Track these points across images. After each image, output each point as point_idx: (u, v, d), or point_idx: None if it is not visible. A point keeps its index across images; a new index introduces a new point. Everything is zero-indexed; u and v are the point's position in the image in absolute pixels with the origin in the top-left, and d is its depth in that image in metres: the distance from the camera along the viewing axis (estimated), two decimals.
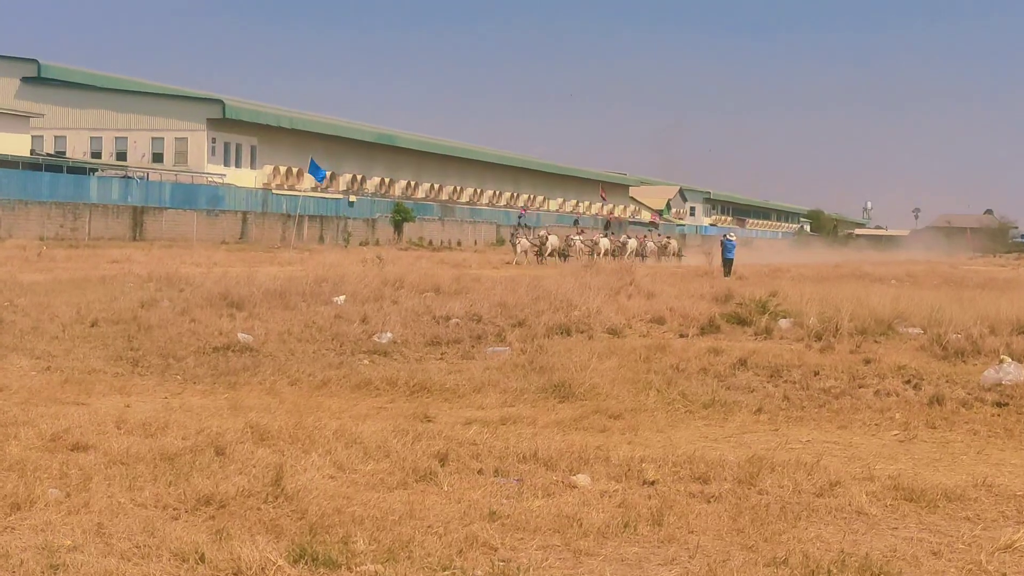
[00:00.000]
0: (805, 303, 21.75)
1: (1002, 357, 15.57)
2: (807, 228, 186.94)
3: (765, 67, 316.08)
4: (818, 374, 15.29)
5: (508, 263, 54.28)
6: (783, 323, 20.35)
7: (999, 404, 13.61)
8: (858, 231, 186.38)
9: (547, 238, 59.18)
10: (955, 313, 19.95)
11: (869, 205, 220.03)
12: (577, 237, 63.33)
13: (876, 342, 18.52)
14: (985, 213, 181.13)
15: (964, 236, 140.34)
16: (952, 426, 12.66)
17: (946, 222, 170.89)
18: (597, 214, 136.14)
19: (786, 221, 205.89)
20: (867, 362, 16.14)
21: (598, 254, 58.37)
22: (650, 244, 70.15)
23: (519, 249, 57.89)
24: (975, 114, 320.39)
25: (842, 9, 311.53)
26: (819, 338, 18.62)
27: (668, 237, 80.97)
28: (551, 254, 58.06)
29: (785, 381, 15.04)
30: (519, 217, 68.56)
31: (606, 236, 66.12)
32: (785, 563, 7.27)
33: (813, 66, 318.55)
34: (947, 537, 8.09)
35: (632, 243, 66.61)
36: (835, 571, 7.11)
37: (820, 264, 57.71)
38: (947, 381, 14.84)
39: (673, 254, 72.37)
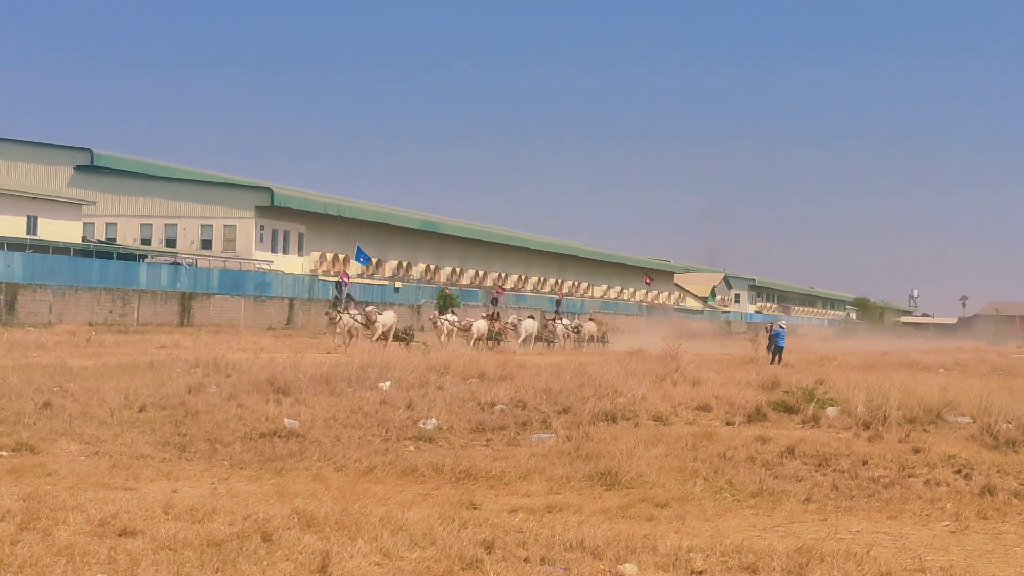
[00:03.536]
0: (852, 391, 21.59)
1: None
2: (853, 315, 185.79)
3: (809, 154, 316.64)
4: (867, 463, 15.14)
5: (541, 353, 51.07)
6: (830, 411, 20.20)
7: None
8: (905, 319, 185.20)
9: (471, 323, 49.20)
10: (1005, 402, 19.77)
11: (916, 293, 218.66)
12: (560, 322, 58.31)
13: (925, 431, 18.34)
14: None
15: (1014, 324, 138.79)
16: (1004, 517, 12.48)
17: (994, 310, 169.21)
18: (642, 301, 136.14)
19: (832, 308, 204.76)
20: (916, 451, 15.98)
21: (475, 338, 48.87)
22: (559, 327, 58.73)
23: (445, 329, 49.15)
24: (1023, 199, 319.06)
25: (884, 96, 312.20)
26: (867, 427, 18.47)
27: (589, 318, 66.81)
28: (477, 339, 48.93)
29: (833, 470, 14.90)
30: (445, 295, 60.04)
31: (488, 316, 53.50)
32: None
33: (858, 154, 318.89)
34: None
35: (528, 324, 54.11)
36: None
37: (867, 352, 57.30)
38: (998, 471, 14.66)
39: (592, 339, 60.15)
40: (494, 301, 59.96)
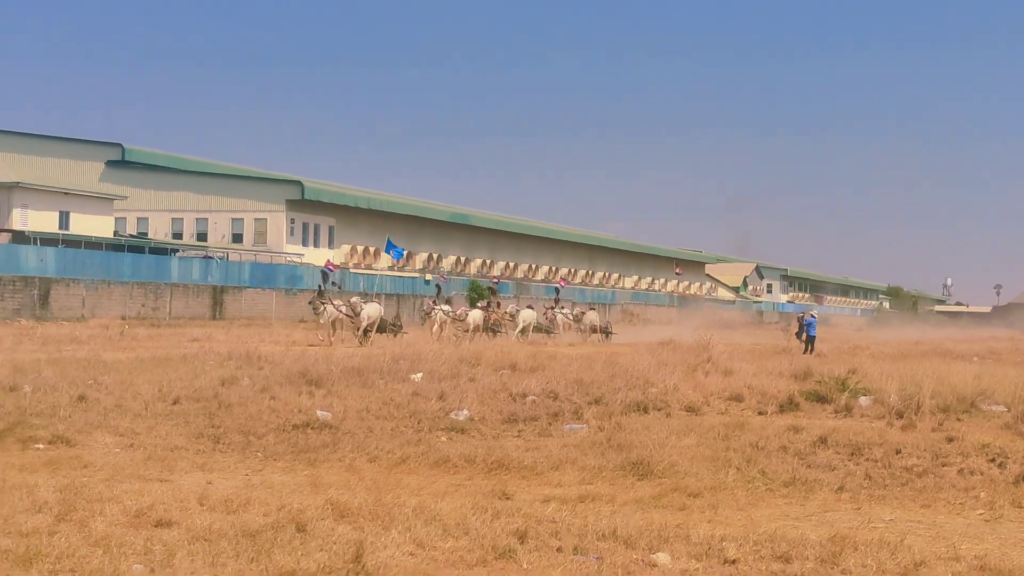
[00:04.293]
0: (885, 380, 21.50)
1: None
2: (886, 305, 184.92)
3: (841, 143, 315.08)
4: (900, 452, 15.10)
5: (572, 344, 49.03)
6: (863, 400, 20.13)
7: None
8: (938, 308, 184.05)
9: (467, 313, 47.78)
10: None
11: (949, 282, 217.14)
12: (561, 311, 55.67)
13: (959, 420, 18.27)
14: None
15: None
16: None
17: None
18: (673, 291, 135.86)
19: (864, 298, 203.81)
20: (950, 440, 15.92)
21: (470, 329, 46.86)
22: (560, 316, 55.79)
23: (437, 322, 46.55)
24: None
25: (918, 84, 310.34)
26: (900, 416, 18.40)
27: (591, 307, 64.76)
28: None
29: (867, 459, 14.86)
30: (437, 288, 53.63)
31: (483, 307, 51.45)
32: None
33: (891, 142, 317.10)
34: None
35: (526, 314, 52.26)
36: None
37: (900, 341, 56.99)
38: None
39: (595, 330, 55.92)
40: (492, 291, 58.00)
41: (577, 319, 56.12)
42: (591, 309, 60.28)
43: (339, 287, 50.14)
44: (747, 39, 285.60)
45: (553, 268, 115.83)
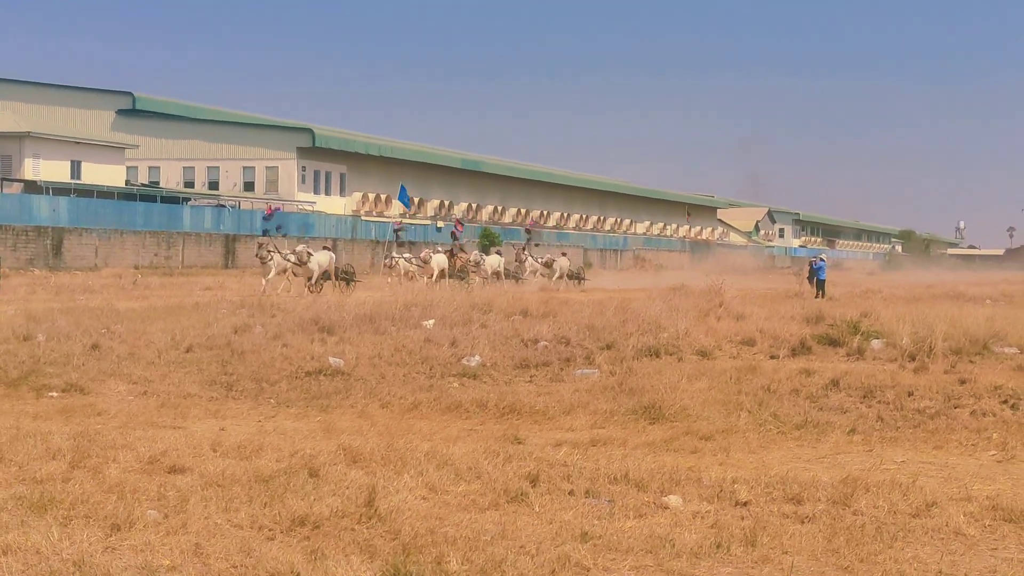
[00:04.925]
0: (898, 323, 21.44)
1: None
2: (898, 248, 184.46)
3: (852, 84, 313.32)
4: (912, 394, 15.07)
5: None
6: (875, 344, 20.09)
7: None
8: (951, 251, 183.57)
9: (430, 257, 45.18)
10: None
11: (962, 224, 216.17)
12: (530, 257, 53.99)
13: (971, 362, 18.22)
14: None
15: None
16: None
17: None
18: (685, 236, 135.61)
19: (877, 241, 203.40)
20: (962, 382, 15.87)
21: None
22: (529, 261, 53.76)
23: (401, 270, 45.14)
24: None
25: (927, 24, 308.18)
26: (912, 358, 18.36)
27: (562, 252, 60.92)
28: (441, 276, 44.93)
29: (879, 402, 14.84)
30: (395, 234, 51.36)
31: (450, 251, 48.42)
32: None
33: (902, 83, 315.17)
34: None
35: (492, 260, 49.86)
36: None
37: (912, 284, 56.86)
38: None
39: (563, 276, 53.82)
40: (453, 237, 54.17)
41: (548, 264, 53.93)
42: (562, 255, 57.93)
43: (284, 233, 46.13)
44: None
45: (564, 214, 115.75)
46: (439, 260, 45.24)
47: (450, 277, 45.08)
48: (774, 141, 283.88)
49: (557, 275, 52.99)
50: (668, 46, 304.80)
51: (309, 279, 39.76)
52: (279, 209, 49.28)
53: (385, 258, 46.78)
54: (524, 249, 55.31)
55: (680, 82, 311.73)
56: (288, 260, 40.14)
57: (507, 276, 50.44)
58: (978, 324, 21.03)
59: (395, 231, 52.27)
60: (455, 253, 47.85)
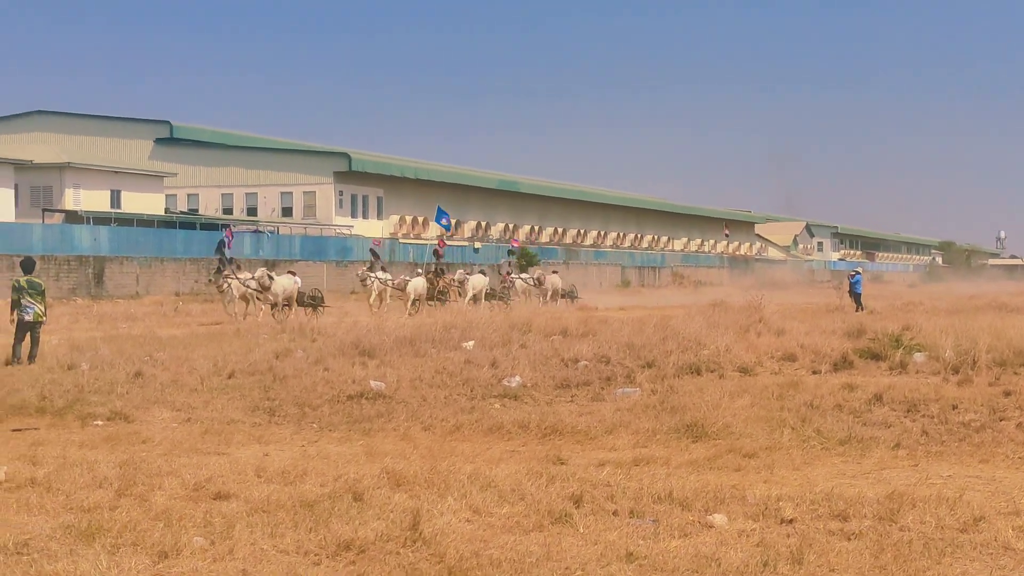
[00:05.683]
0: (940, 336, 21.28)
1: None
2: (939, 260, 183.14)
3: (889, 96, 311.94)
4: (957, 408, 14.95)
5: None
6: (918, 357, 19.94)
7: None
8: (992, 261, 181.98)
9: (407, 282, 42.80)
10: None
11: (1002, 234, 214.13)
12: (520, 276, 51.85)
13: (1016, 374, 18.05)
14: None
15: None
16: None
17: None
18: (723, 252, 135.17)
19: (917, 253, 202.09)
20: (1007, 394, 15.74)
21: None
22: (518, 282, 51.33)
23: (374, 291, 43.06)
24: None
25: (967, 36, 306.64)
26: (956, 371, 18.22)
27: (553, 270, 59.41)
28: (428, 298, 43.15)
29: (923, 416, 14.73)
30: (373, 254, 48.51)
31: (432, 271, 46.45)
32: None
33: (940, 93, 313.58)
34: None
35: (476, 280, 47.33)
36: None
37: (954, 296, 56.45)
38: None
39: (556, 295, 52.37)
40: (435, 255, 52.68)
41: (539, 282, 51.99)
42: (553, 272, 56.13)
43: (234, 262, 41.42)
44: None
45: (601, 232, 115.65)
46: (416, 284, 43.03)
47: (431, 299, 43.49)
48: (811, 155, 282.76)
49: (549, 294, 51.55)
50: (702, 63, 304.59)
51: (273, 305, 37.79)
52: (230, 240, 44.75)
53: (361, 276, 44.39)
54: (508, 270, 53.47)
55: (715, 98, 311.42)
56: (248, 286, 38.11)
57: (494, 297, 48.01)
58: (1022, 336, 20.83)
59: (371, 250, 49.93)
60: (438, 273, 46.24)
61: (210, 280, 40.42)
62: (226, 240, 43.47)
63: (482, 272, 49.92)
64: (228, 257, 40.79)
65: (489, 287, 48.31)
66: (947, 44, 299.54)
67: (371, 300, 42.48)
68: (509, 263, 55.55)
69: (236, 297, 38.19)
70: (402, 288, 42.42)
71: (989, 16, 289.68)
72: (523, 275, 52.54)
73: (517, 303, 46.18)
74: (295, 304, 38.90)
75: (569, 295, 53.32)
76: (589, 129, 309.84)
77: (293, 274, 41.49)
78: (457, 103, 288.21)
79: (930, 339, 21.23)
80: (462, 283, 46.48)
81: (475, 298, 45.69)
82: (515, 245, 63.02)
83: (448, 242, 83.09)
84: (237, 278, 38.12)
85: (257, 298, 38.28)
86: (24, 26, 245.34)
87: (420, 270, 46.73)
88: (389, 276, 44.17)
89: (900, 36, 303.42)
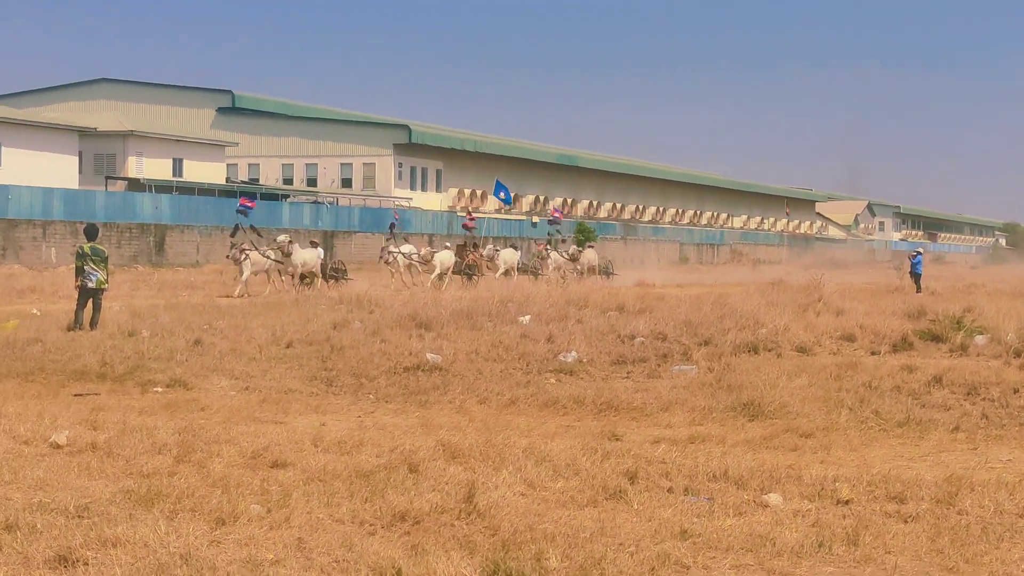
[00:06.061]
0: (1002, 319, 21.06)
1: None
2: (1002, 241, 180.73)
3: (954, 75, 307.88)
4: (1018, 392, 14.78)
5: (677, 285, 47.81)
6: (979, 339, 19.73)
7: None
8: None
9: (432, 255, 42.19)
10: None
11: None
12: (553, 251, 49.55)
13: None
14: None
15: None
16: None
17: None
18: (783, 230, 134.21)
19: (980, 235, 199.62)
20: None
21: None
22: (554, 256, 49.52)
23: (400, 265, 41.88)
24: None
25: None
26: (1018, 355, 18.01)
27: (590, 245, 57.88)
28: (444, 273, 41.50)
29: (983, 399, 14.58)
30: (391, 226, 46.54)
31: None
32: None
33: (1004, 72, 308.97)
34: None
35: (507, 255, 46.35)
36: None
37: (1017, 279, 55.61)
38: None
39: (593, 271, 50.31)
40: (465, 228, 51.38)
41: (574, 258, 50.30)
42: (590, 247, 54.38)
43: (256, 231, 38.67)
44: None
45: (660, 209, 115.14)
46: (443, 257, 42.08)
47: (458, 273, 42.45)
48: (874, 133, 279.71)
49: (585, 269, 49.78)
50: (765, 41, 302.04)
51: (292, 276, 36.31)
52: (250, 209, 40.74)
53: (382, 253, 43.08)
54: (548, 243, 51.81)
55: (778, 75, 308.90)
56: (268, 257, 36.15)
57: (525, 271, 47.15)
58: None
59: (390, 226, 48.43)
60: (468, 248, 45.21)
61: (228, 255, 37.53)
62: (245, 208, 40.26)
63: (513, 247, 48.94)
64: (248, 225, 38.49)
65: (521, 262, 47.44)
66: (1012, 26, 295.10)
67: (394, 275, 41.30)
68: (549, 238, 53.42)
69: (260, 271, 36.15)
70: (428, 260, 41.54)
71: None
72: (559, 249, 50.94)
73: (548, 278, 44.51)
74: (319, 277, 37.46)
75: (605, 271, 51.44)
76: (650, 105, 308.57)
77: (315, 245, 40.14)
78: (518, 76, 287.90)
79: (992, 322, 21.02)
80: (492, 258, 45.41)
81: (507, 272, 44.58)
82: (556, 215, 60.28)
83: (505, 216, 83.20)
84: (257, 249, 36.13)
85: (277, 269, 36.62)
86: None
87: (448, 244, 46.09)
88: (413, 248, 43.23)
89: (965, 19, 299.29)
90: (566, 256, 50.21)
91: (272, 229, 62.11)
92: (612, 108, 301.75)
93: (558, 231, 56.25)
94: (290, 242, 36.04)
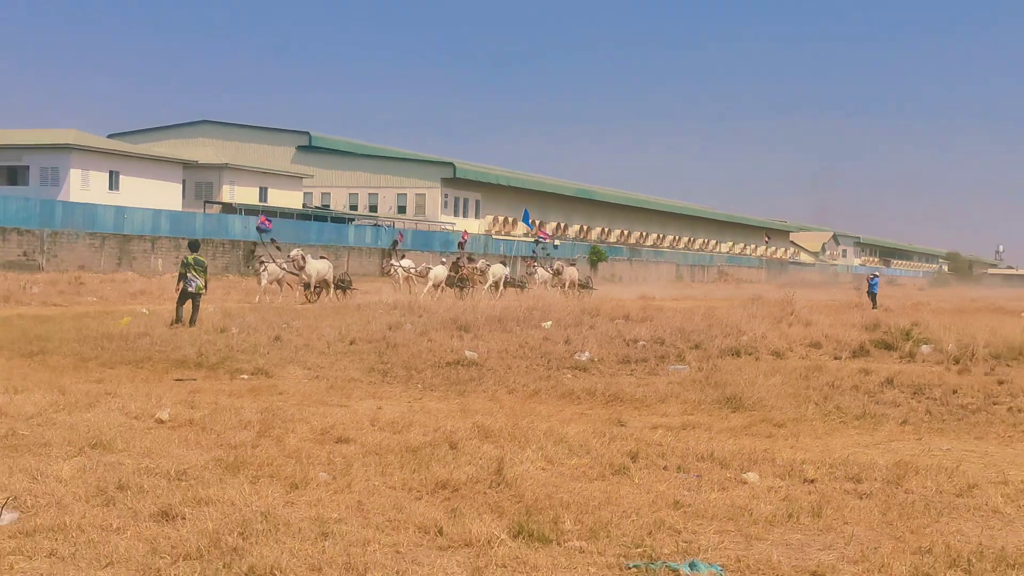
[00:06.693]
0: (944, 332, 20.92)
1: None
2: (945, 268, 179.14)
3: (909, 123, 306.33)
4: (956, 392, 14.69)
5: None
6: (925, 348, 19.61)
7: None
8: (991, 271, 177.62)
9: (428, 269, 39.89)
10: None
11: (1001, 248, 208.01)
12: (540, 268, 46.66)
13: (1008, 366, 17.68)
14: None
15: None
16: None
17: None
18: (762, 255, 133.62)
19: (926, 262, 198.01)
20: (1000, 383, 15.43)
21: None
22: (539, 271, 46.36)
23: (400, 279, 40.26)
24: None
25: (979, 73, 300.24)
26: (957, 362, 17.90)
27: (571, 262, 54.43)
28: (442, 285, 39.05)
29: (927, 398, 14.49)
30: (394, 243, 44.91)
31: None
32: (929, 552, 7.01)
33: (952, 121, 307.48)
34: None
35: (496, 269, 42.83)
36: (974, 561, 6.81)
37: (957, 299, 55.26)
38: None
39: (573, 285, 46.86)
40: (459, 246, 48.05)
41: (558, 273, 47.15)
42: (571, 264, 51.25)
43: (276, 245, 36.98)
44: (822, 32, 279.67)
45: (660, 235, 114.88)
46: (437, 271, 39.42)
47: (452, 286, 39.59)
48: (840, 174, 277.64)
49: (567, 284, 46.60)
50: (752, 97, 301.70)
51: (306, 286, 34.61)
52: (269, 228, 39.36)
53: (384, 267, 41.27)
54: (534, 260, 48.93)
55: (761, 126, 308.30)
56: (283, 268, 34.51)
57: (513, 284, 44.06)
58: (1015, 334, 20.41)
59: (393, 243, 46.22)
60: (462, 263, 42.35)
61: (254, 269, 35.71)
62: (264, 227, 38.86)
63: (502, 263, 45.98)
64: (269, 240, 37.20)
65: (509, 276, 44.45)
66: (958, 84, 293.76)
67: (394, 287, 39.52)
68: (534, 255, 50.67)
69: (275, 280, 34.40)
70: (424, 275, 39.65)
71: (989, 59, 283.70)
72: (544, 266, 47.84)
73: (535, 291, 41.53)
74: (331, 286, 35.80)
75: (584, 286, 48.68)
76: (654, 148, 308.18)
77: (326, 259, 38.01)
78: (544, 124, 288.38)
79: (935, 334, 20.88)
80: (483, 272, 42.63)
81: (495, 285, 41.64)
82: (543, 237, 56.58)
83: (533, 238, 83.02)
84: (274, 261, 34.49)
85: (295, 274, 34.72)
86: (194, 45, 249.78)
87: (443, 259, 43.89)
88: (412, 263, 41.75)
89: (923, 77, 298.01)
90: (550, 271, 47.36)
91: (339, 247, 62.44)
92: (622, 151, 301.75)
93: (543, 249, 53.53)
94: (303, 256, 34.58)
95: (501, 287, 41.84)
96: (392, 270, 40.63)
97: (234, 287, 42.86)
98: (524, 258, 58.22)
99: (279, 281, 34.73)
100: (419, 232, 74.12)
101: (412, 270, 40.75)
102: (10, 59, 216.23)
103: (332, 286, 35.86)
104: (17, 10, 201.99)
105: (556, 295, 38.21)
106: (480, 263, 44.34)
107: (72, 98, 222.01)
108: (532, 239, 73.55)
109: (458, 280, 40.16)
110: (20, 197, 50.21)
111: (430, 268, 39.88)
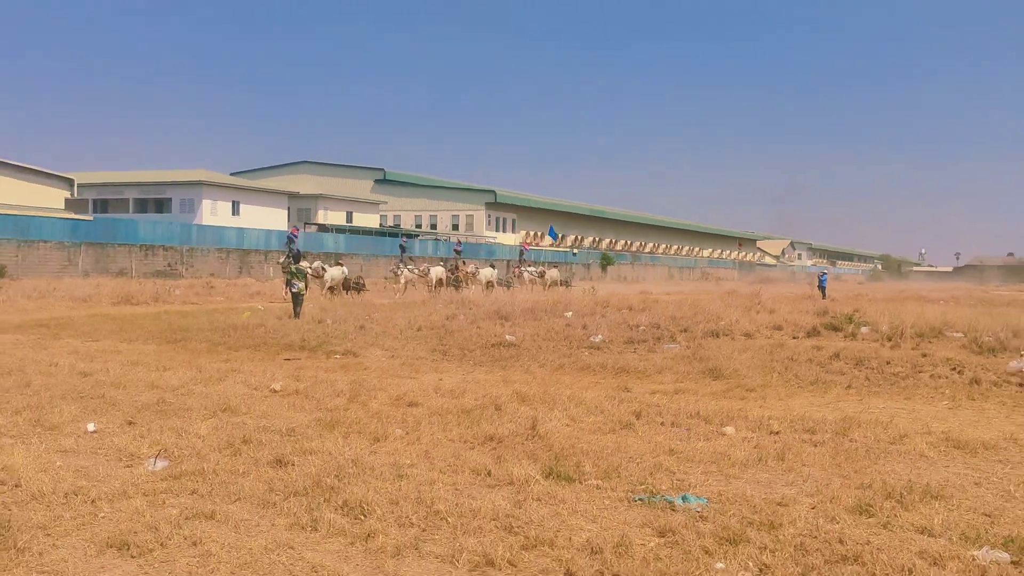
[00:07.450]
0: (879, 316, 20.65)
1: (1022, 352, 14.46)
2: (879, 267, 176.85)
3: (851, 152, 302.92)
4: (889, 363, 14.50)
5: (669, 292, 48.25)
6: (864, 329, 19.37)
7: (1021, 384, 12.66)
8: (916, 269, 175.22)
9: (429, 269, 37.73)
10: (987, 322, 18.65)
11: (924, 251, 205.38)
12: (528, 269, 45.17)
13: (930, 342, 17.43)
14: (1008, 255, 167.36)
15: (993, 272, 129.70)
16: (987, 399, 11.82)
17: (979, 261, 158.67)
18: (735, 259, 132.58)
19: (864, 262, 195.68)
20: (924, 355, 15.22)
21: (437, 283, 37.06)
22: (526, 273, 44.80)
23: (402, 280, 38.06)
24: (1002, 174, 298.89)
25: (908, 110, 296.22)
26: (890, 339, 17.66)
27: (553, 266, 52.70)
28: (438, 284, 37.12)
29: (866, 367, 14.31)
30: (401, 249, 42.70)
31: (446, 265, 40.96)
32: (870, 487, 6.96)
33: (886, 147, 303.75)
34: (985, 473, 7.58)
35: (486, 272, 39.80)
36: (905, 493, 6.76)
37: (889, 291, 54.56)
38: (982, 368, 13.85)
39: (555, 284, 44.94)
40: (456, 252, 45.81)
41: (542, 275, 45.38)
42: (553, 267, 49.50)
43: (302, 254, 35.42)
44: (777, 76, 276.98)
45: (656, 244, 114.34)
46: (436, 272, 37.58)
47: (449, 285, 37.44)
48: (797, 190, 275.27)
49: (549, 283, 44.48)
50: (726, 127, 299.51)
51: (321, 287, 32.86)
52: (296, 237, 38.00)
53: (395, 270, 39.33)
54: (520, 265, 47.25)
55: (732, 153, 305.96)
56: (414, 272, 34.32)
57: (500, 284, 40.88)
58: (935, 317, 20.12)
59: (401, 247, 43.92)
60: (457, 266, 40.65)
61: (285, 275, 35.07)
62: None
63: (491, 266, 43.45)
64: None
65: (498, 277, 41.71)
66: (894, 118, 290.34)
67: (400, 284, 37.79)
68: (520, 261, 48.71)
69: (406, 281, 33.35)
70: (425, 274, 37.66)
71: (925, 95, 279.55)
72: (529, 268, 45.76)
73: (521, 290, 37.77)
74: (346, 288, 33.74)
75: (565, 283, 46.35)
76: (652, 173, 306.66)
77: (341, 265, 36.12)
78: (564, 159, 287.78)
79: (872, 318, 20.62)
80: (474, 274, 40.25)
81: (488, 284, 38.67)
82: (526, 248, 54.09)
83: (556, 248, 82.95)
84: (408, 269, 33.86)
85: (317, 278, 33.06)
86: (296, 99, 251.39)
87: (442, 262, 41.78)
88: (415, 267, 39.48)
89: (865, 113, 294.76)
90: (535, 273, 45.59)
91: (414, 257, 62.69)
92: (626, 176, 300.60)
93: (525, 258, 51.48)
94: (323, 267, 33.50)
95: (493, 287, 39.42)
96: (400, 272, 38.66)
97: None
98: (510, 262, 57.02)
99: (412, 282, 34.71)
100: (468, 244, 74.20)
101: (416, 272, 38.62)
102: (159, 114, 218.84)
103: (347, 287, 34.18)
104: (163, 75, 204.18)
105: (540, 291, 36.48)
106: (472, 267, 42.34)
107: (202, 143, 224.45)
108: (571, 251, 72.89)
109: (455, 280, 39.09)
110: (165, 222, 50.96)
111: (430, 268, 38.22)
